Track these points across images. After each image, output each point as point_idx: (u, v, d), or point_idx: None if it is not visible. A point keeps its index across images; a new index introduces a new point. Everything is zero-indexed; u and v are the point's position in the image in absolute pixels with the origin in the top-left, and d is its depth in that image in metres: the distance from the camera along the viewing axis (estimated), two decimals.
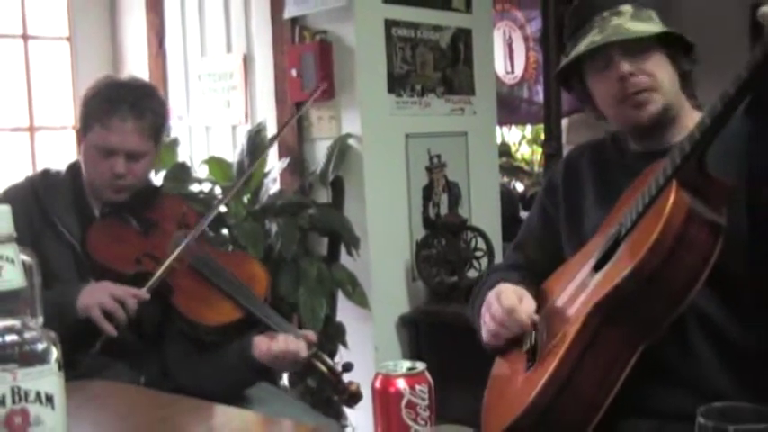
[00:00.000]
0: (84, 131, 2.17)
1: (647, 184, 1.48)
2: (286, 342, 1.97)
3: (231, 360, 2.02)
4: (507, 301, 1.65)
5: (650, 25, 1.62)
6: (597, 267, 1.54)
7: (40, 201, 2.15)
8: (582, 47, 1.64)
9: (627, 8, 1.63)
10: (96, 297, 1.96)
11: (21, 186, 2.22)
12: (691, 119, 1.66)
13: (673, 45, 1.64)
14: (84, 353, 1.95)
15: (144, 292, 2.00)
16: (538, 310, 1.67)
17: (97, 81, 2.22)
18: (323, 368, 1.96)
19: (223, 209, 3.10)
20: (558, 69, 1.75)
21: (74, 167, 2.25)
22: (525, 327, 1.63)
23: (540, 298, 1.72)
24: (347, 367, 1.98)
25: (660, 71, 1.62)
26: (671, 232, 1.37)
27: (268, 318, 2.05)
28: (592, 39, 1.62)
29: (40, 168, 2.31)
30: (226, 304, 2.09)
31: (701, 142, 1.39)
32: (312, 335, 2.04)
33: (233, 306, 2.08)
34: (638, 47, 1.61)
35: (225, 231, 2.97)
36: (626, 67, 1.60)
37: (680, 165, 1.41)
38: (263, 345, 2.00)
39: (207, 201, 3.01)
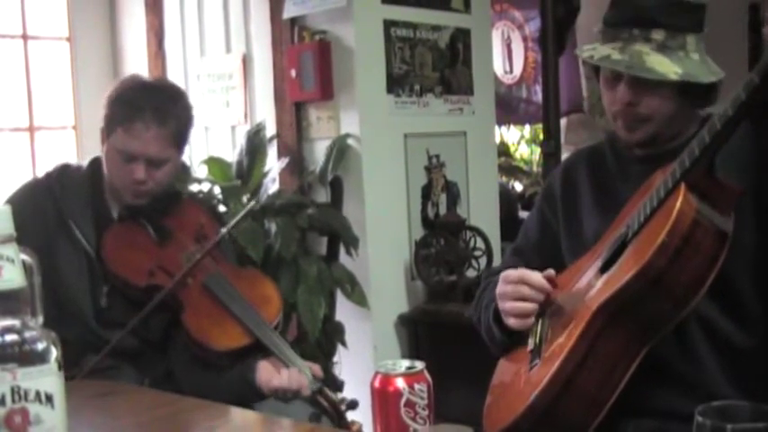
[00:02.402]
0: (106, 133, 2.12)
1: (656, 188, 1.48)
2: (289, 379, 1.92)
3: (233, 379, 1.99)
4: (514, 273, 1.63)
5: (672, 63, 1.55)
6: (604, 269, 1.54)
7: (56, 201, 2.12)
8: (597, 55, 1.60)
9: (659, 34, 1.56)
10: None
11: (38, 185, 2.19)
12: (691, 124, 1.66)
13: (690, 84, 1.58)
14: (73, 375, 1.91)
15: None
16: (544, 310, 1.67)
17: (122, 81, 2.18)
18: (326, 404, 1.92)
19: (223, 209, 3.11)
20: (581, 56, 1.69)
21: (95, 164, 2.21)
22: (543, 286, 1.60)
23: (546, 299, 1.71)
24: (352, 405, 1.93)
25: (663, 107, 1.59)
26: (677, 235, 1.36)
27: (276, 348, 2.00)
28: (610, 53, 1.58)
29: (59, 163, 2.25)
30: (235, 328, 2.04)
31: (710, 147, 1.38)
32: (318, 369, 2.00)
33: (242, 331, 2.03)
34: (648, 80, 1.56)
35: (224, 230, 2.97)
36: (628, 97, 1.59)
37: (689, 168, 1.41)
38: (264, 373, 1.95)
39: (206, 200, 3.00)
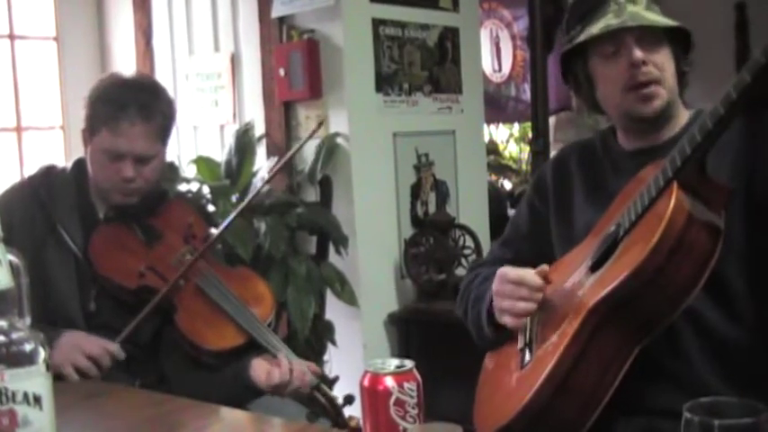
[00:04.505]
0: (90, 134, 2.10)
1: (646, 185, 1.47)
2: (288, 372, 1.91)
3: (227, 378, 1.98)
4: (512, 273, 1.62)
5: (663, 18, 1.62)
6: (594, 267, 1.54)
7: (42, 204, 2.09)
8: (596, 29, 1.61)
9: None
10: (70, 355, 1.90)
11: (22, 188, 2.16)
12: (681, 117, 1.67)
13: (677, 43, 1.64)
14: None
15: (119, 351, 1.95)
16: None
17: (102, 80, 2.15)
18: (324, 401, 1.92)
19: (212, 208, 3.10)
20: (565, 49, 1.71)
21: (79, 165, 2.18)
22: (540, 287, 1.59)
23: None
24: (349, 400, 1.92)
25: (667, 65, 1.62)
26: (672, 234, 1.36)
27: (272, 346, 1.99)
28: (607, 22, 1.60)
29: (42, 165, 2.22)
30: (229, 328, 2.03)
31: (702, 145, 1.38)
32: (315, 366, 2.00)
33: (236, 331, 2.02)
34: (651, 37, 1.60)
35: (213, 230, 2.97)
36: (639, 54, 1.59)
37: (681, 167, 1.40)
38: (260, 369, 1.95)
39: (194, 199, 3.00)
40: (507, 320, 1.64)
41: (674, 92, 1.64)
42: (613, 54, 1.63)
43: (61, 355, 1.90)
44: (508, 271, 1.64)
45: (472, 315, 1.79)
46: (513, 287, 1.62)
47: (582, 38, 1.65)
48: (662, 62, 1.61)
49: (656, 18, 1.61)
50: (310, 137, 2.70)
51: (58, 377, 1.84)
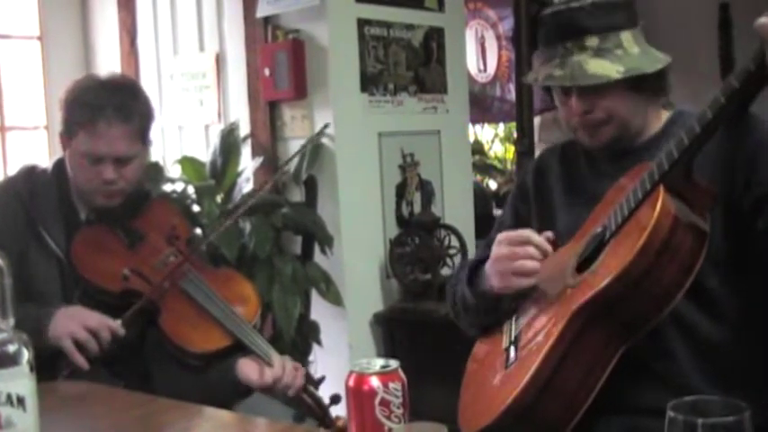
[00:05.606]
0: (68, 136, 2.09)
1: (632, 187, 1.48)
2: (282, 370, 1.92)
3: (213, 380, 1.98)
4: (514, 234, 1.62)
5: (611, 64, 1.56)
6: (580, 268, 1.54)
7: (25, 207, 2.08)
8: (541, 78, 1.63)
9: (592, 41, 1.58)
10: (69, 327, 1.90)
11: (3, 189, 2.14)
12: (657, 118, 1.68)
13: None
14: (52, 379, 1.89)
15: (119, 327, 1.95)
16: (517, 308, 1.67)
17: (77, 82, 2.13)
18: (310, 401, 1.91)
19: (196, 208, 3.10)
20: (526, 81, 1.76)
21: (60, 165, 2.16)
22: (546, 249, 1.59)
23: (521, 295, 1.71)
24: (335, 399, 1.92)
25: (617, 106, 1.61)
26: (658, 237, 1.37)
27: (257, 347, 1.99)
28: (551, 72, 1.61)
29: (23, 166, 2.21)
30: (215, 331, 2.02)
31: (689, 149, 1.39)
32: (300, 367, 2.01)
33: (222, 333, 2.02)
34: (595, 87, 1.58)
35: (198, 231, 2.96)
36: (582, 107, 1.61)
37: (668, 170, 1.42)
38: (247, 370, 1.96)
39: (178, 200, 2.99)
40: (514, 282, 1.61)
41: (633, 117, 1.63)
42: (563, 96, 1.66)
43: (60, 328, 1.90)
44: (509, 233, 1.63)
45: (464, 291, 1.77)
46: (520, 248, 1.60)
47: (530, 78, 1.69)
48: (609, 106, 1.61)
49: (597, 71, 1.56)
50: (314, 141, 2.70)
51: (43, 365, 1.85)
